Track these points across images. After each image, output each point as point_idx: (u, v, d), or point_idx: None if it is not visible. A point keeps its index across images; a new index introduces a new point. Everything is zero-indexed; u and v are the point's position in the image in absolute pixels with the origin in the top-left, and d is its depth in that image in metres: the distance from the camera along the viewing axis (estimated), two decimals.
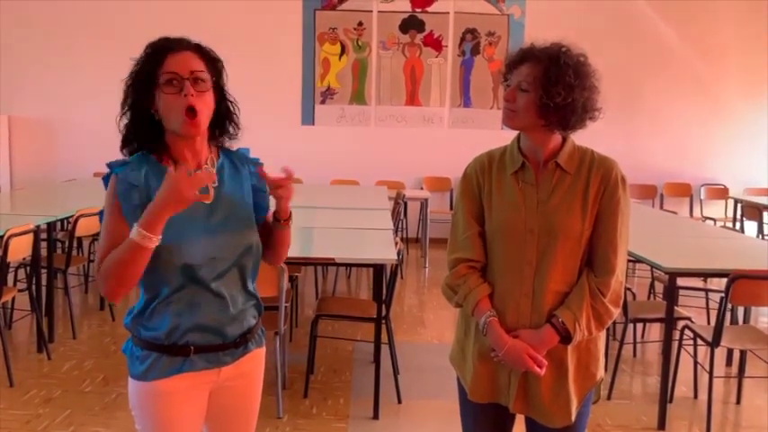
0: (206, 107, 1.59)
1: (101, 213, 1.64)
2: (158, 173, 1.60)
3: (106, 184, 1.63)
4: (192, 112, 1.54)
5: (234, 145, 1.78)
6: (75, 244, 4.72)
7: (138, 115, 1.61)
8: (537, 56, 1.76)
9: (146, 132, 1.61)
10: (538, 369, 1.77)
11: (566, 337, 1.78)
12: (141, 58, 1.61)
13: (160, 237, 1.49)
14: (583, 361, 1.85)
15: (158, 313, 1.63)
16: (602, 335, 1.89)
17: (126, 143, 1.65)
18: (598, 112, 1.79)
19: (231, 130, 1.72)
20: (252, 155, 1.81)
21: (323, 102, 7.95)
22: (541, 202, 1.81)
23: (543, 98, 1.73)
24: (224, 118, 1.69)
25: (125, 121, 1.63)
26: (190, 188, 1.46)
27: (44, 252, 4.42)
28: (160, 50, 1.59)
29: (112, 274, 1.53)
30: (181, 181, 1.45)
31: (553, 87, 1.71)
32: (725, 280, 3.27)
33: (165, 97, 1.56)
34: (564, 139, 1.84)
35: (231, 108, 1.71)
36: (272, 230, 1.76)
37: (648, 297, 4.86)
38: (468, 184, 1.91)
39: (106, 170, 1.64)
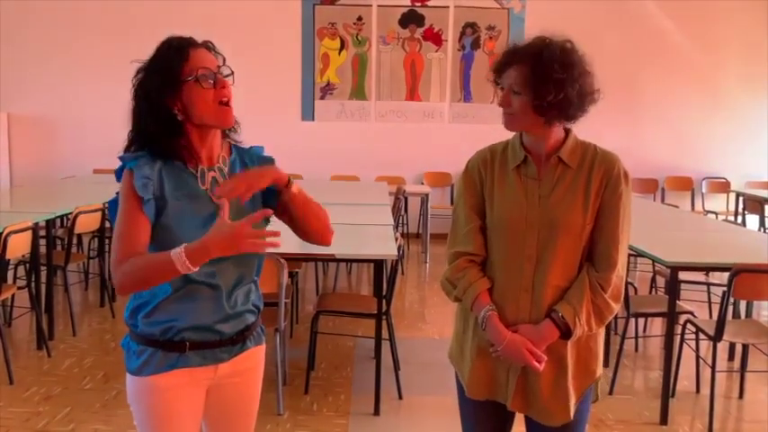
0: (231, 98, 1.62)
1: (111, 204, 1.63)
2: (172, 169, 1.60)
3: (118, 178, 1.62)
4: (227, 103, 1.58)
5: (241, 140, 1.76)
6: (74, 241, 4.70)
7: (157, 114, 1.56)
8: (521, 57, 1.74)
9: (164, 131, 1.57)
10: (536, 364, 1.76)
11: (566, 333, 1.76)
12: (160, 56, 1.58)
13: (197, 269, 1.48)
14: (582, 358, 1.84)
15: (155, 310, 1.63)
16: (602, 332, 1.88)
17: (134, 143, 1.61)
18: (597, 94, 1.77)
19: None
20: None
21: (323, 97, 7.93)
22: (543, 196, 1.79)
23: (535, 99, 1.71)
24: None
25: (136, 121, 1.59)
26: (249, 237, 1.44)
27: (43, 249, 4.42)
28: (181, 47, 1.58)
29: (136, 278, 1.52)
30: (240, 233, 1.44)
31: (543, 87, 1.70)
32: (727, 274, 3.26)
33: (202, 92, 1.56)
34: (567, 134, 1.82)
35: None
36: (286, 207, 1.67)
37: (650, 291, 4.84)
38: (470, 178, 1.90)
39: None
